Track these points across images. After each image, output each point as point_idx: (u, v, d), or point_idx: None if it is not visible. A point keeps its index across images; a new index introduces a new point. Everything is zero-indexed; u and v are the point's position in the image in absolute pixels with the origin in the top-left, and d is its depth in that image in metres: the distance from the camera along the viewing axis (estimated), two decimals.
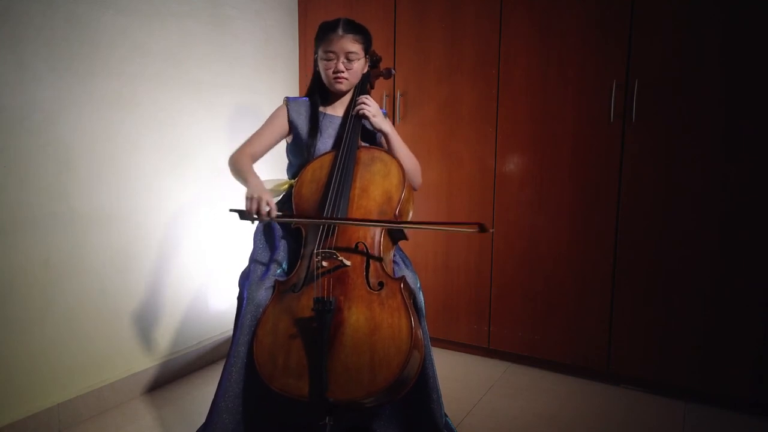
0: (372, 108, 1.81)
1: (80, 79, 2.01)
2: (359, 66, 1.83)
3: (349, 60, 1.79)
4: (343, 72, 1.79)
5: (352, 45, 1.78)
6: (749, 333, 2.10)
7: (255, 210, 1.58)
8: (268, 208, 1.58)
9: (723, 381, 2.15)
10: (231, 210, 1.65)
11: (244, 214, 1.61)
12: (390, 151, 1.83)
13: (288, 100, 1.88)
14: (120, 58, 2.14)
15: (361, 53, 1.81)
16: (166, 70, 2.32)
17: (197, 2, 2.45)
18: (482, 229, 1.49)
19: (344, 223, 1.62)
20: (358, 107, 1.80)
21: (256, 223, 1.72)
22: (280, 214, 1.62)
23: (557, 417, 2.13)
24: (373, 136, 1.93)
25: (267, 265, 1.72)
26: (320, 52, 1.81)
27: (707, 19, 2.08)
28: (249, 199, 1.59)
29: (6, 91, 1.81)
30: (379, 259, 1.59)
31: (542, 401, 2.26)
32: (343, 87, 1.82)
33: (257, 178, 1.69)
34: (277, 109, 1.88)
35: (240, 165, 1.74)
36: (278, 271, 1.69)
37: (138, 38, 2.20)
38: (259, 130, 1.86)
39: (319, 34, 1.82)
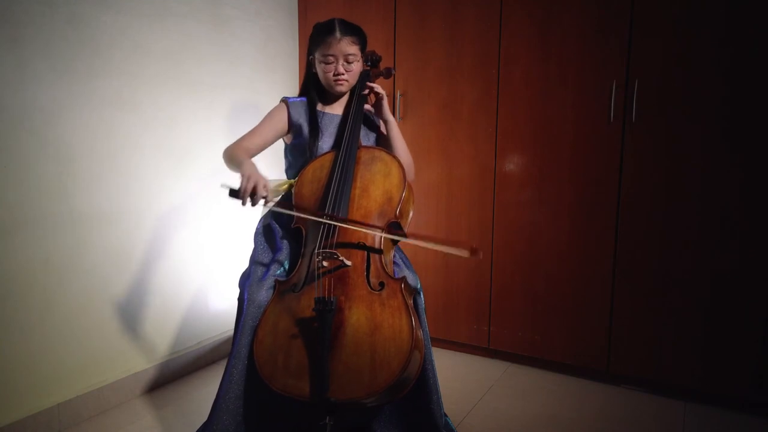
0: (384, 98, 1.88)
1: (80, 79, 2.01)
2: (358, 67, 1.85)
3: (348, 62, 1.80)
4: (343, 74, 1.80)
5: (350, 47, 1.79)
6: (749, 333, 2.10)
7: (250, 190, 1.51)
8: (265, 193, 1.53)
9: (723, 381, 2.16)
10: (223, 185, 1.53)
11: (236, 193, 1.52)
12: (389, 141, 1.88)
13: (288, 101, 1.88)
14: (120, 58, 2.14)
15: (359, 54, 1.83)
16: (166, 70, 2.32)
17: (197, 2, 2.45)
18: (473, 253, 1.49)
19: (335, 224, 1.60)
20: (378, 91, 1.86)
21: (258, 208, 1.65)
22: (276, 200, 1.57)
23: (557, 417, 2.13)
24: (371, 126, 1.94)
25: (267, 266, 1.72)
26: (318, 56, 1.82)
27: (707, 19, 2.08)
28: (246, 177, 1.53)
29: (6, 91, 1.81)
30: (380, 260, 1.59)
31: (542, 401, 2.26)
32: (343, 89, 1.84)
33: (251, 162, 1.64)
34: (277, 108, 1.88)
35: (234, 154, 1.70)
36: (279, 271, 1.69)
37: (138, 38, 2.20)
38: (257, 126, 1.85)
39: (315, 36, 1.83)
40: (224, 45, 2.59)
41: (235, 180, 1.58)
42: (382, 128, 1.94)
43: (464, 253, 1.51)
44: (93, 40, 2.04)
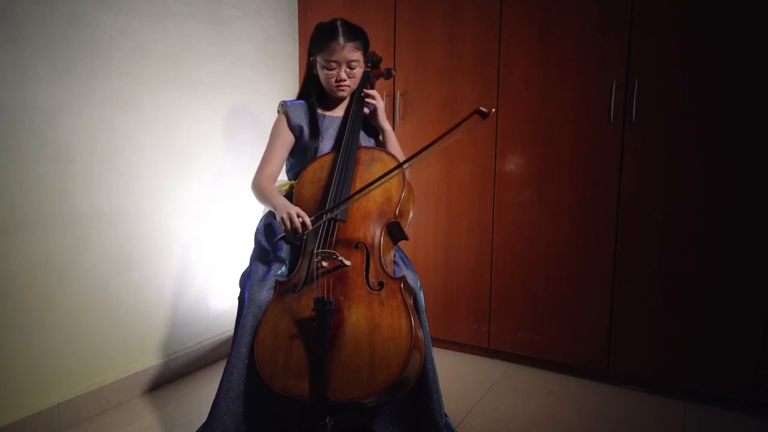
0: (381, 104, 1.89)
1: (80, 79, 2.01)
2: (360, 72, 1.84)
3: (351, 68, 1.80)
4: (345, 80, 1.80)
5: (353, 54, 1.78)
6: (749, 333, 2.10)
7: (292, 229, 1.59)
8: (300, 220, 1.59)
9: (723, 381, 2.15)
10: (279, 238, 1.70)
11: (287, 239, 1.64)
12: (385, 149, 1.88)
13: (286, 106, 1.87)
14: (120, 58, 2.14)
15: (362, 59, 1.83)
16: (166, 70, 2.32)
17: (197, 2, 2.45)
18: (483, 115, 1.38)
19: (359, 197, 1.63)
20: (371, 101, 1.87)
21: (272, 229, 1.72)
22: (312, 219, 1.62)
23: (557, 417, 2.13)
24: (371, 129, 1.94)
25: (268, 266, 1.72)
26: (320, 60, 1.80)
27: (707, 19, 2.08)
28: (282, 221, 1.61)
29: (6, 91, 1.81)
30: (380, 259, 1.59)
31: (542, 401, 2.26)
32: (345, 94, 1.84)
33: (281, 197, 1.73)
34: (277, 121, 1.88)
35: (262, 189, 1.78)
36: (280, 271, 1.69)
37: (138, 38, 2.20)
38: (269, 147, 1.86)
39: (317, 39, 1.81)
40: (224, 45, 2.59)
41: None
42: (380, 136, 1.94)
43: (475, 121, 1.40)
44: (93, 40, 2.05)
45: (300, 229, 1.58)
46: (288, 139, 1.86)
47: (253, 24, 2.75)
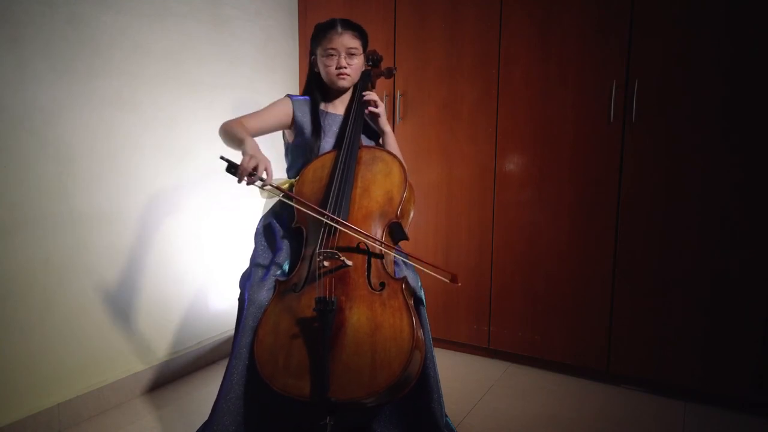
0: (382, 107, 1.87)
1: (80, 79, 2.01)
2: (359, 62, 1.85)
3: (350, 56, 1.81)
4: (345, 68, 1.80)
5: (352, 41, 1.80)
6: (749, 333, 2.10)
7: (251, 169, 1.47)
8: (264, 175, 1.49)
9: (723, 381, 2.16)
10: (222, 158, 1.48)
11: (235, 169, 1.48)
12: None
13: (291, 98, 1.87)
14: (120, 58, 2.14)
15: (361, 49, 1.84)
16: (166, 70, 2.32)
17: (197, 2, 2.44)
18: (453, 280, 1.53)
19: (334, 225, 1.59)
20: (372, 108, 1.85)
21: (256, 191, 1.56)
22: (274, 184, 1.50)
23: (557, 417, 2.13)
24: (372, 133, 1.94)
25: (268, 266, 1.72)
26: (320, 51, 1.82)
27: (707, 19, 2.08)
28: (248, 155, 1.49)
29: (6, 91, 1.81)
30: (381, 259, 1.59)
31: (542, 401, 2.26)
32: (345, 83, 1.84)
33: (257, 143, 1.59)
34: (282, 100, 1.87)
35: (235, 130, 1.65)
36: (280, 271, 1.69)
37: (138, 38, 2.20)
38: (259, 110, 1.82)
39: (316, 34, 1.84)
40: (224, 45, 2.59)
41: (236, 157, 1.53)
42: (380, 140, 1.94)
43: (446, 277, 1.53)
44: (93, 40, 2.04)
45: (256, 177, 1.47)
46: (284, 118, 1.83)
47: (253, 24, 2.75)
